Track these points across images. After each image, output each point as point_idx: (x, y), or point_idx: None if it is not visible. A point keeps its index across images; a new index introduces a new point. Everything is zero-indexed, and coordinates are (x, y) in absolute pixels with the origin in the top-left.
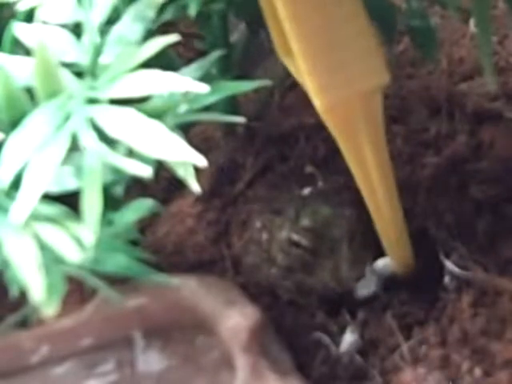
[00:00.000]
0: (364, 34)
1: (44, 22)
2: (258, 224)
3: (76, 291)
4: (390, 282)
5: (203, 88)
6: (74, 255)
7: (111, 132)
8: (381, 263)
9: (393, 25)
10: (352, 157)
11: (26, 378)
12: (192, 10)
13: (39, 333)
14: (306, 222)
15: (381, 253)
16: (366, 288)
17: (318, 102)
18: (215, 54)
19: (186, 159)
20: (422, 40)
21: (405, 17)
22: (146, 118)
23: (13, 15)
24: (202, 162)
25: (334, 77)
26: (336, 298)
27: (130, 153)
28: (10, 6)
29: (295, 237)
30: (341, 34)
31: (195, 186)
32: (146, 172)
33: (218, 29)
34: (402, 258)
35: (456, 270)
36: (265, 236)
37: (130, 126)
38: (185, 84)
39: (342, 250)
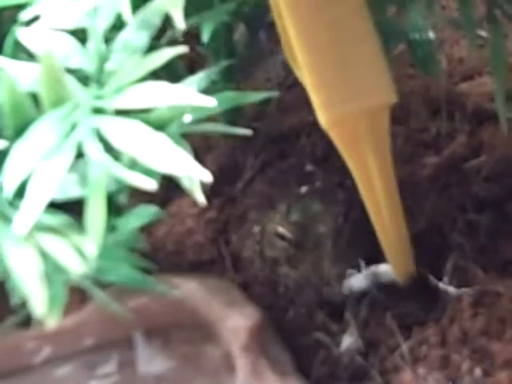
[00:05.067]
0: (372, 52)
1: (48, 27)
2: (252, 218)
3: (77, 291)
4: (387, 288)
5: (210, 102)
6: (76, 267)
7: (116, 144)
8: (383, 268)
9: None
10: (357, 171)
11: (27, 379)
12: (205, 37)
13: (40, 333)
14: (295, 216)
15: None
16: (356, 284)
17: (322, 117)
18: (221, 64)
19: (190, 174)
20: (421, 54)
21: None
22: (151, 131)
23: (14, 19)
24: (207, 177)
25: (340, 93)
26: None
27: (135, 163)
28: (11, 9)
29: (281, 229)
30: (349, 52)
31: (201, 198)
32: (149, 185)
33: (222, 37)
34: (403, 266)
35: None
36: (257, 229)
37: (135, 138)
38: (191, 97)
39: (326, 245)
